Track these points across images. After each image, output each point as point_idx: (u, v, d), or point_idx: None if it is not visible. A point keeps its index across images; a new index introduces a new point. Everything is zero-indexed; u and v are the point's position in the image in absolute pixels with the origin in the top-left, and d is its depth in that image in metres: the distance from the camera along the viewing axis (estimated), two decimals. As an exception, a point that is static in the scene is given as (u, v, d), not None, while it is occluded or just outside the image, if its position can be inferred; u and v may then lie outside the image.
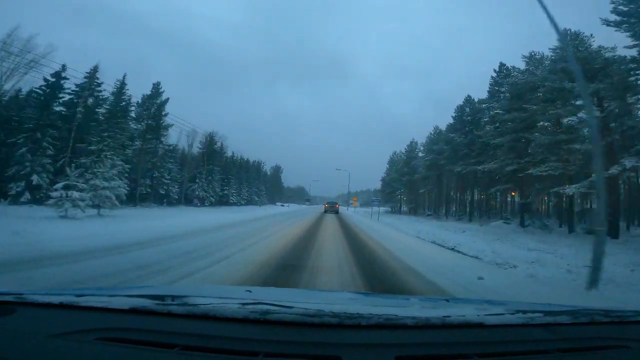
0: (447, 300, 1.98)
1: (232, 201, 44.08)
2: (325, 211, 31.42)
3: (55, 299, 1.14)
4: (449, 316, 1.15)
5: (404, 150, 51.25)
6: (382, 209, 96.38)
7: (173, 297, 1.19)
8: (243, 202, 47.86)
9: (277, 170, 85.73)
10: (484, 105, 29.97)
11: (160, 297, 1.18)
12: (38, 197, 17.55)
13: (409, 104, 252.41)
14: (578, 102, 16.36)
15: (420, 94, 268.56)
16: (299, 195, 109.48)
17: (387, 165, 59.65)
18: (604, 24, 14.94)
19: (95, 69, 22.64)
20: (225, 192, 43.30)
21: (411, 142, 50.14)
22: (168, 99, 30.76)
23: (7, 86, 18.91)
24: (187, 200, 34.68)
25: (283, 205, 52.86)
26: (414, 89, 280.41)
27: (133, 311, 1.09)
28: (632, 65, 13.96)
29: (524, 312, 1.24)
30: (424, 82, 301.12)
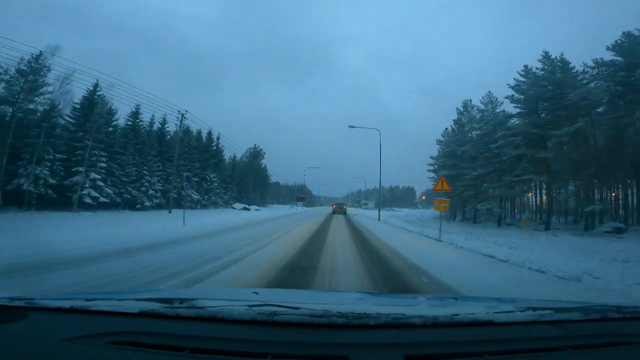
0: (455, 299, 1.88)
1: (91, 200, 21.39)
2: (333, 212, 31.88)
3: (65, 304, 1.16)
4: (457, 314, 1.14)
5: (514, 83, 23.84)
6: (424, 212, 56.10)
7: (181, 300, 1.21)
8: (148, 204, 25.96)
9: (255, 155, 58.85)
10: None
11: (169, 300, 1.20)
12: None
13: (404, 98, 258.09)
14: None
15: (415, 86, 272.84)
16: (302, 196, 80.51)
17: (442, 138, 35.37)
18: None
19: None
20: (75, 178, 20.74)
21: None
22: None
23: None
24: None
25: (247, 209, 33.81)
26: (407, 82, 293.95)
27: (142, 314, 1.11)
28: None
29: (534, 309, 1.23)
30: (416, 74, 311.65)
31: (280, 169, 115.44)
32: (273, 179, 66.26)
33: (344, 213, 30.83)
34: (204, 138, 35.95)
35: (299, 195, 59.83)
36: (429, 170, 38.60)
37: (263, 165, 61.47)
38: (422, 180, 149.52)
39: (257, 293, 1.66)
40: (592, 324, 1.20)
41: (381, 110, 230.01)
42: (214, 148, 37.64)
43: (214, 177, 33.91)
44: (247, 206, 32.79)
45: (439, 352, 0.99)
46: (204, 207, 31.99)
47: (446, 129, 35.77)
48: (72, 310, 1.11)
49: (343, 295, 2.23)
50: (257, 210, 31.63)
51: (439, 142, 36.86)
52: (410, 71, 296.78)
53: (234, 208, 31.58)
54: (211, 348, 0.95)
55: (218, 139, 40.29)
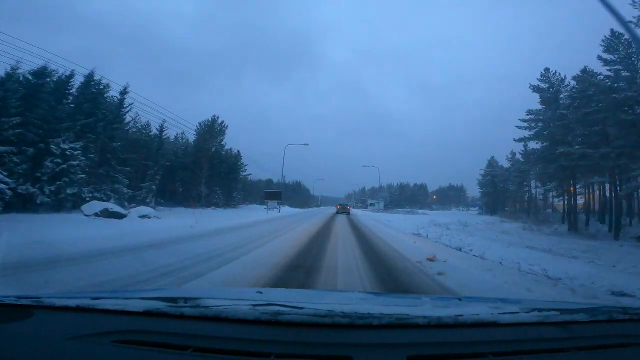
0: (460, 299, 1.88)
1: None
2: (337, 212, 34.01)
3: (71, 302, 1.19)
4: (461, 315, 1.17)
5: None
6: (457, 214, 51.19)
7: (185, 300, 1.25)
8: None
9: (210, 132, 36.70)
10: None
11: (173, 300, 1.24)
12: None
13: (393, 94, 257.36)
14: None
15: (403, 82, 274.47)
16: (297, 195, 71.77)
17: (541, 84, 26.60)
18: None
19: None
20: None
21: None
22: None
23: None
24: None
25: (120, 216, 14.43)
26: (396, 77, 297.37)
27: (147, 313, 1.15)
28: None
29: (539, 310, 1.26)
30: (406, 68, 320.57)
31: (274, 167, 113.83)
32: (249, 171, 49.13)
33: (347, 213, 33.71)
34: (78, 81, 17.73)
35: (270, 189, 38.60)
36: (516, 140, 28.62)
37: (235, 152, 42.73)
38: (433, 177, 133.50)
39: (261, 292, 1.70)
40: (598, 325, 1.25)
41: (380, 107, 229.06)
42: (112, 107, 19.22)
43: (76, 150, 14.56)
44: (114, 208, 13.58)
45: (443, 353, 1.03)
46: (47, 208, 12.73)
47: (547, 68, 25.86)
48: (78, 309, 1.16)
49: (347, 295, 2.30)
50: (145, 218, 12.62)
51: (535, 88, 25.81)
52: (406, 67, 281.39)
53: (84, 213, 12.40)
54: (215, 347, 1.00)
55: (123, 93, 21.51)
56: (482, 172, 58.77)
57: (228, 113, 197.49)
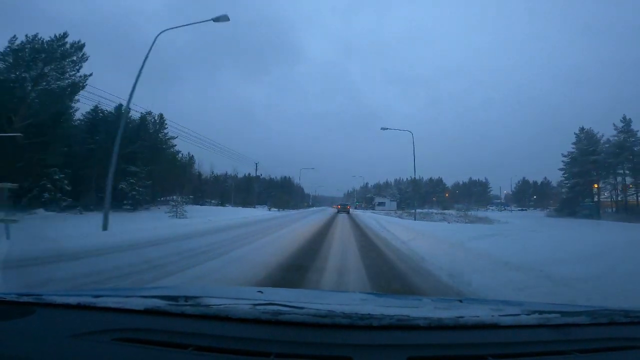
0: (461, 301, 1.90)
1: None
2: (339, 212, 37.20)
3: (73, 300, 1.22)
4: (462, 317, 1.20)
5: None
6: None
7: (186, 298, 1.27)
8: None
9: (47, 53, 20.07)
10: None
11: (174, 298, 1.27)
12: None
13: (380, 90, 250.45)
14: None
15: (404, 77, 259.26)
16: (286, 193, 65.09)
17: None
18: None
19: None
20: None
21: None
22: None
23: None
24: None
25: None
26: (396, 73, 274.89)
27: (148, 312, 1.18)
28: None
29: (540, 312, 1.28)
30: (393, 64, 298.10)
31: (267, 165, 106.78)
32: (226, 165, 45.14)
33: (347, 212, 35.60)
34: None
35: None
36: None
37: (156, 116, 31.39)
38: (447, 172, 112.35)
39: (262, 292, 1.66)
40: (599, 328, 1.26)
41: (379, 103, 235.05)
42: None
43: None
44: None
45: (443, 354, 1.06)
46: None
47: None
48: (79, 307, 1.18)
49: (347, 295, 2.29)
50: None
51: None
52: (405, 62, 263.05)
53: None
54: (215, 346, 1.02)
55: None
56: (572, 151, 39.51)
57: (212, 110, 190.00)
